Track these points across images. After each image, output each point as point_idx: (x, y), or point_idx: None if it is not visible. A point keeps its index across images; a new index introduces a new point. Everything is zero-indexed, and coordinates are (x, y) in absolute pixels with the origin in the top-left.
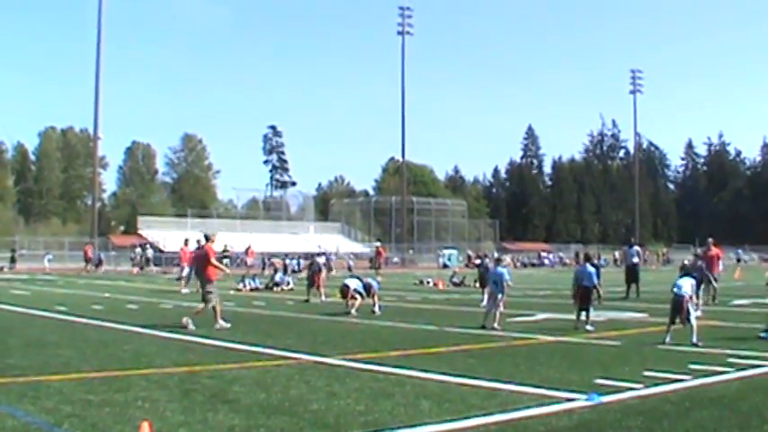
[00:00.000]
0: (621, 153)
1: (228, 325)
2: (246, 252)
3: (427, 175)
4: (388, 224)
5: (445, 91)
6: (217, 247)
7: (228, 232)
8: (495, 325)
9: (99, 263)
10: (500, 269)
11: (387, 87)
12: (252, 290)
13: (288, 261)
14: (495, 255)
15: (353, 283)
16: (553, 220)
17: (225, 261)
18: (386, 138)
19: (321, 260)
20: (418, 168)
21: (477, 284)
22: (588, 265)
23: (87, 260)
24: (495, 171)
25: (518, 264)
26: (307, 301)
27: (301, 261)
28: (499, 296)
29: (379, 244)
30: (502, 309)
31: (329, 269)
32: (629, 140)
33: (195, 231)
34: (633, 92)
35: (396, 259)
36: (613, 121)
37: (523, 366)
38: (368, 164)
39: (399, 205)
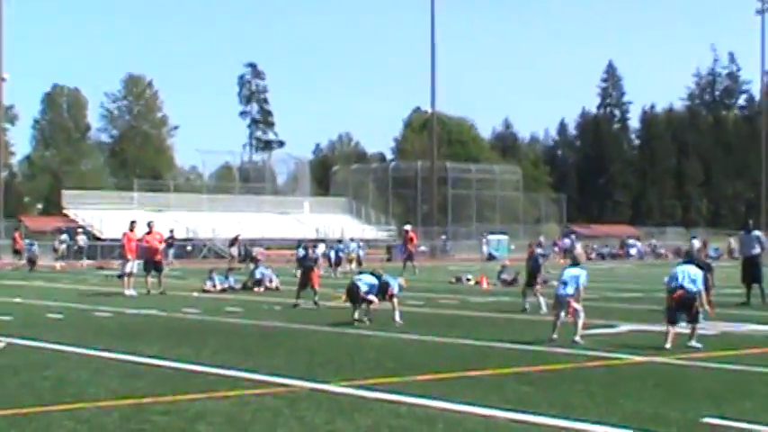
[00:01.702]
0: (742, 99)
1: (134, 293)
2: (233, 243)
3: (467, 133)
4: (412, 200)
5: (490, 18)
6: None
7: (191, 212)
8: (577, 338)
9: (32, 261)
10: (574, 269)
11: (410, 12)
12: (223, 290)
13: (313, 252)
14: (571, 242)
15: (365, 282)
16: (642, 193)
17: (170, 251)
18: (408, 84)
19: (320, 250)
20: (454, 123)
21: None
22: (691, 266)
23: (17, 251)
24: (562, 126)
25: (593, 254)
26: (296, 305)
27: (342, 249)
28: (573, 304)
29: (409, 227)
30: (582, 317)
31: (337, 263)
32: (753, 82)
33: (145, 210)
34: (761, 11)
35: (423, 248)
36: (730, 55)
37: (600, 397)
38: (384, 118)
39: (428, 173)
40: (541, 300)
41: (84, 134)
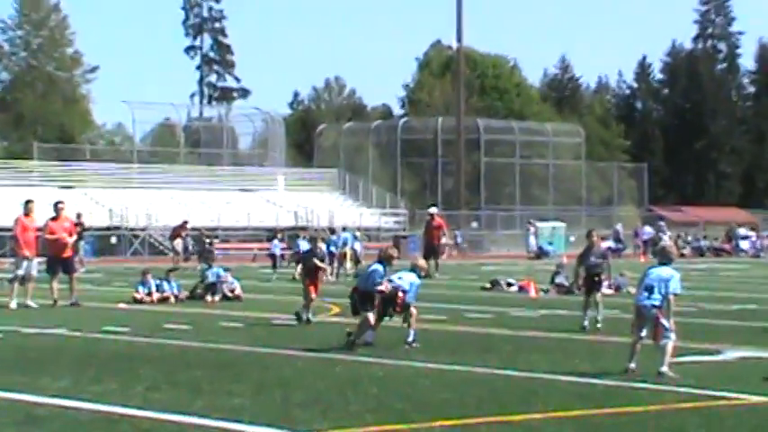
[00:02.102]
0: None
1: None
2: (177, 235)
3: (507, 77)
4: (430, 171)
5: None
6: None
7: (116, 189)
8: (664, 368)
9: None
10: (662, 269)
11: None
12: (162, 299)
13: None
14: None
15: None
16: (758, 164)
17: (80, 245)
18: (424, 10)
19: (303, 246)
20: (489, 63)
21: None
22: None
23: None
24: (642, 68)
25: (686, 249)
26: (301, 319)
27: (335, 242)
28: (662, 320)
29: (435, 210)
30: (672, 339)
31: (331, 261)
32: None
33: (50, 187)
34: None
35: (445, 239)
36: None
37: None
38: (389, 57)
39: (452, 134)
40: (601, 312)
41: None
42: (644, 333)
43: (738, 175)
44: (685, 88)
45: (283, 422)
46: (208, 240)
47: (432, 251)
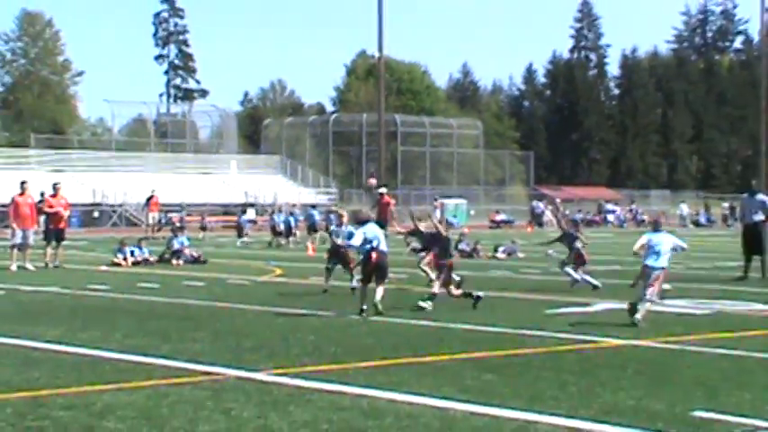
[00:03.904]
0: (737, 42)
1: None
2: (148, 204)
3: (419, 81)
4: (357, 158)
5: None
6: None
7: (98, 172)
8: (639, 316)
9: None
10: (661, 236)
11: None
12: (136, 263)
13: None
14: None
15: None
16: (622, 151)
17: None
18: (352, 23)
19: (248, 216)
20: (405, 69)
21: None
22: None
23: None
24: (529, 73)
25: (563, 221)
26: (325, 291)
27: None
28: (654, 273)
29: (384, 190)
30: (653, 299)
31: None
32: (751, 20)
33: (45, 171)
34: None
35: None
36: None
37: (574, 386)
38: (323, 63)
39: (374, 127)
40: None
41: None
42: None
43: (606, 161)
44: (564, 90)
45: (236, 363)
46: (178, 217)
47: (383, 226)
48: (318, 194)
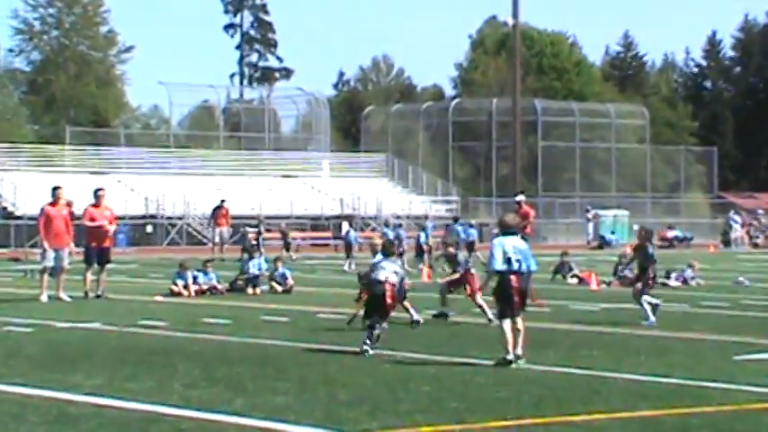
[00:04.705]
0: None
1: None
2: (215, 216)
3: (565, 55)
4: (485, 156)
5: None
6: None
7: (151, 175)
8: None
9: None
10: None
11: None
12: (200, 292)
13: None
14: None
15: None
16: None
17: None
18: None
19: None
20: (547, 41)
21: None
22: None
23: None
24: (712, 45)
25: (759, 237)
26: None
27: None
28: None
29: (522, 198)
30: None
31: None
32: None
33: (83, 174)
34: None
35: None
36: None
37: None
38: (441, 35)
39: (507, 116)
40: (647, 307)
41: None
42: None
43: None
44: (759, 66)
45: (329, 422)
46: (255, 233)
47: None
48: (435, 204)
